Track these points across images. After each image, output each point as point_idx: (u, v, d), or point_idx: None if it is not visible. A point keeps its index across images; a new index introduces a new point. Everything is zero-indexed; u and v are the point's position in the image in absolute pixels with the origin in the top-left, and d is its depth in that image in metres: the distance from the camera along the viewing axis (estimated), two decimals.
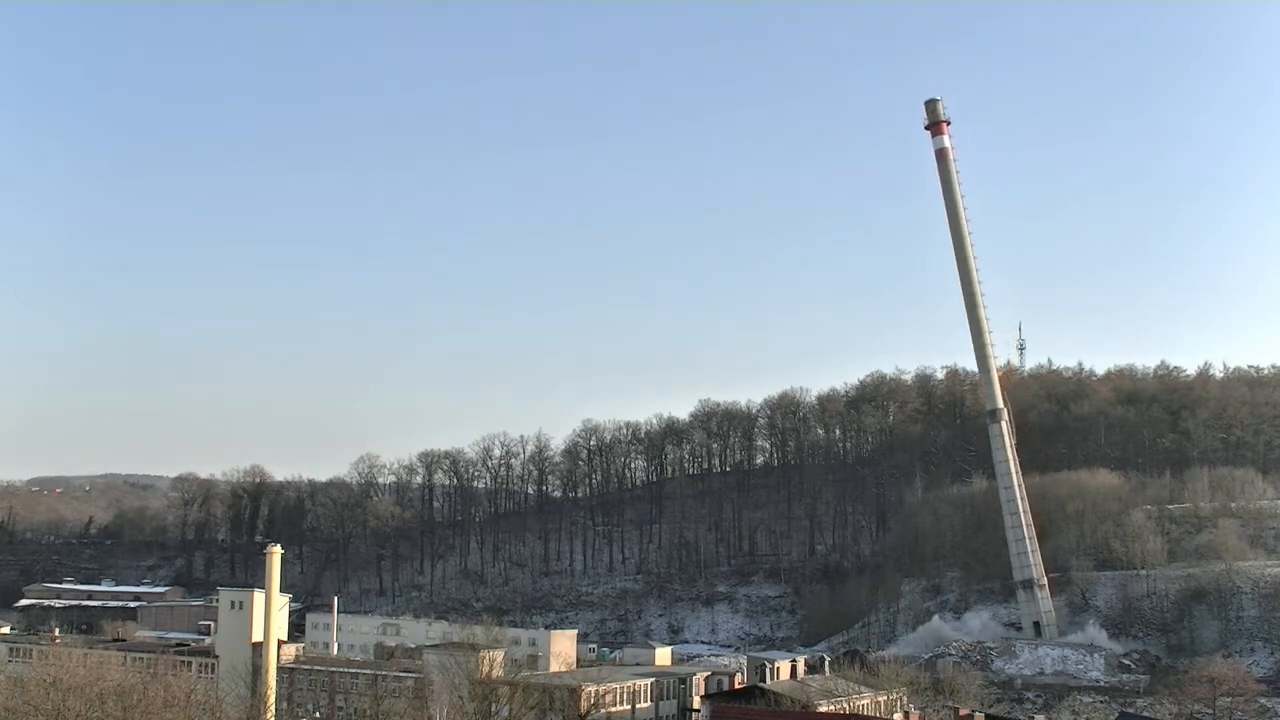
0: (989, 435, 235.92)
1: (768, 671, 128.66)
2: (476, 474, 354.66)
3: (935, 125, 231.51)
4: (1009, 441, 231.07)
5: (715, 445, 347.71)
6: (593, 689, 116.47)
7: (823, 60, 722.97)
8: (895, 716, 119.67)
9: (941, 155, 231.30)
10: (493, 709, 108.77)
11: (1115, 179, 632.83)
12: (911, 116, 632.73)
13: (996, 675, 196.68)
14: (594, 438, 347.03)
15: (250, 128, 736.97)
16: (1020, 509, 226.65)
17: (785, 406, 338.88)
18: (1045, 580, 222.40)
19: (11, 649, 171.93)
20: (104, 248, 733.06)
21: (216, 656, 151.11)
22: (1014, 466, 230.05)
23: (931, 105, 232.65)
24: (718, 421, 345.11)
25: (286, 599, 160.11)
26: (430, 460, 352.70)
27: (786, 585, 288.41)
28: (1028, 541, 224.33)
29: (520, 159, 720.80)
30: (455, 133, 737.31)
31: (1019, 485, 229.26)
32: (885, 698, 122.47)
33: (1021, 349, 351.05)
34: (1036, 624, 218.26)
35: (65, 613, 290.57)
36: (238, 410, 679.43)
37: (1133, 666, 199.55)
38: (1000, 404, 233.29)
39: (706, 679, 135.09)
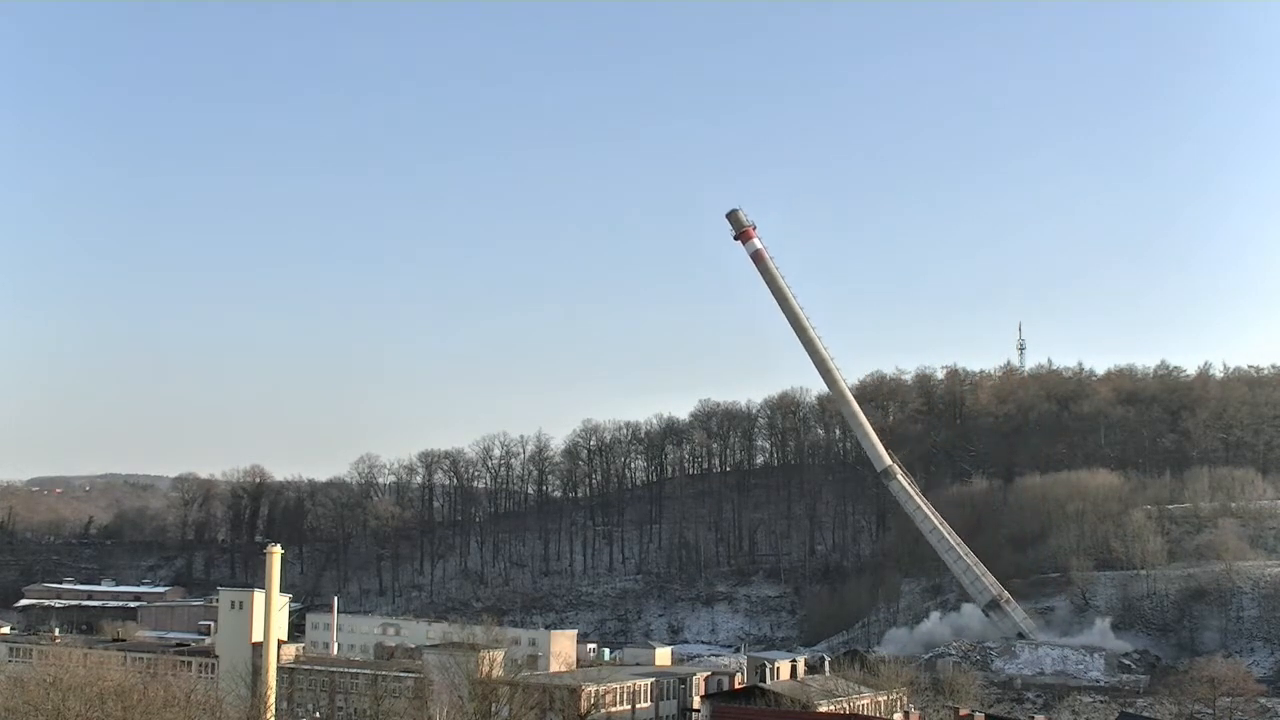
0: (891, 492, 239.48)
1: (768, 671, 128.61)
2: (476, 474, 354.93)
3: (742, 234, 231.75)
4: (913, 491, 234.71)
5: (715, 445, 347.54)
6: (593, 689, 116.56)
7: (823, 55, 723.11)
8: (895, 716, 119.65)
9: (758, 257, 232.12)
10: (493, 709, 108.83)
11: (1116, 179, 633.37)
12: (908, 118, 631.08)
13: (996, 675, 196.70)
14: (594, 438, 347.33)
15: (250, 127, 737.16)
16: (952, 543, 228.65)
17: (785, 406, 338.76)
18: (1007, 594, 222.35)
19: (11, 649, 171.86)
20: (104, 248, 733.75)
21: (216, 656, 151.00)
22: (929, 510, 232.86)
23: (734, 216, 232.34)
24: (718, 421, 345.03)
25: (286, 599, 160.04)
26: (430, 460, 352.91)
27: (786, 585, 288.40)
28: (973, 569, 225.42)
29: (519, 158, 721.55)
30: (455, 133, 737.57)
31: (940, 524, 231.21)
32: (885, 698, 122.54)
33: (1021, 349, 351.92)
34: (1020, 635, 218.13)
35: (65, 613, 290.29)
36: (238, 410, 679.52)
37: (1133, 666, 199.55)
38: (889, 461, 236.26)
39: (706, 679, 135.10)
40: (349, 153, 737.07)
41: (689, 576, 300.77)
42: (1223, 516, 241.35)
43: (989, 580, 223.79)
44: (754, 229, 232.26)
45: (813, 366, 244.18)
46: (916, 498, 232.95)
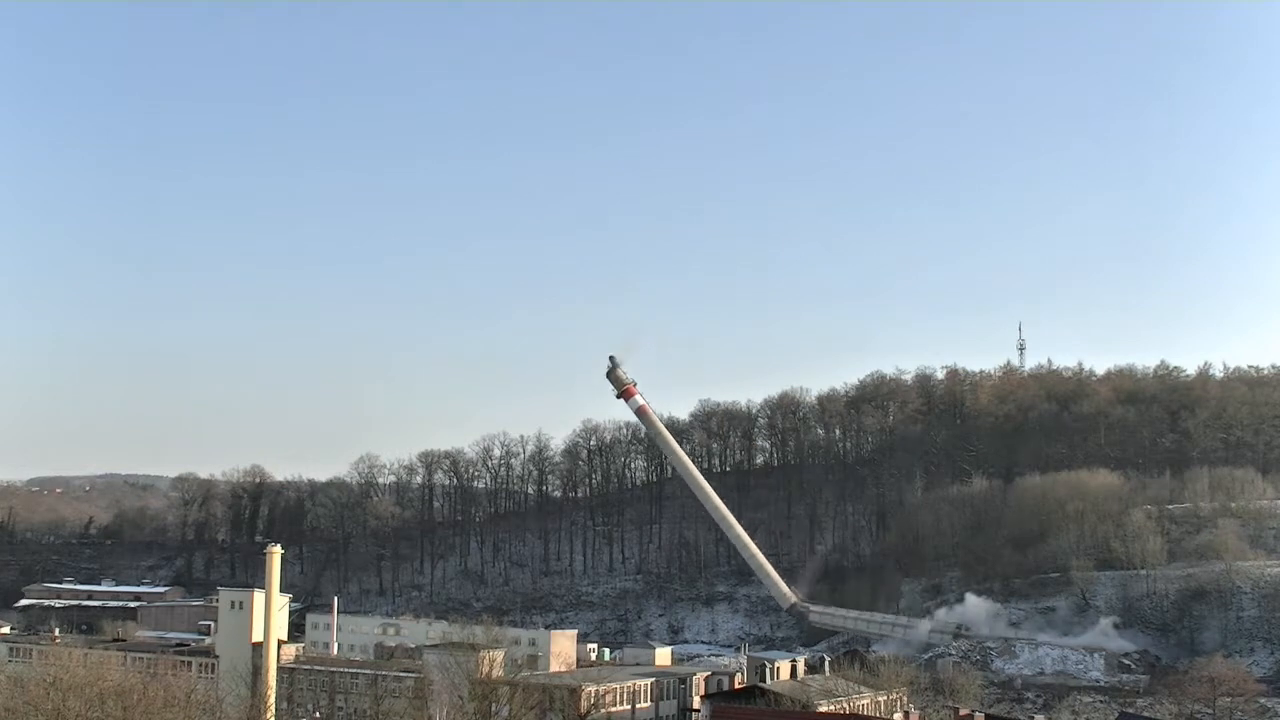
0: (807, 621, 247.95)
1: (768, 671, 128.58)
2: (476, 474, 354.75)
3: (624, 392, 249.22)
4: (831, 610, 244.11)
5: (715, 445, 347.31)
6: (593, 689, 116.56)
7: (824, 54, 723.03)
8: (895, 716, 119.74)
9: (641, 413, 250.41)
10: (493, 709, 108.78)
11: (1116, 179, 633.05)
12: (908, 117, 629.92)
13: (996, 675, 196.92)
14: (594, 438, 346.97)
15: (250, 128, 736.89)
16: (881, 620, 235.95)
17: (785, 406, 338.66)
18: (929, 625, 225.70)
19: (11, 649, 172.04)
20: (104, 248, 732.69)
21: (216, 656, 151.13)
22: (855, 615, 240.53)
23: (614, 375, 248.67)
24: (718, 421, 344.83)
25: (286, 599, 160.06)
26: (430, 460, 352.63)
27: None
28: (910, 626, 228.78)
29: (519, 158, 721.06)
30: (455, 133, 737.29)
31: (871, 617, 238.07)
32: (885, 698, 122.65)
33: (1021, 349, 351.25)
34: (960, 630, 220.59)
35: (65, 613, 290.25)
36: (238, 410, 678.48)
37: (1133, 666, 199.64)
38: (794, 598, 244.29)
39: (706, 679, 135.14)
40: (349, 153, 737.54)
41: (689, 576, 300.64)
42: (1223, 516, 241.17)
43: (923, 625, 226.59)
44: (634, 385, 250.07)
45: (709, 505, 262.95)
46: (837, 614, 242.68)
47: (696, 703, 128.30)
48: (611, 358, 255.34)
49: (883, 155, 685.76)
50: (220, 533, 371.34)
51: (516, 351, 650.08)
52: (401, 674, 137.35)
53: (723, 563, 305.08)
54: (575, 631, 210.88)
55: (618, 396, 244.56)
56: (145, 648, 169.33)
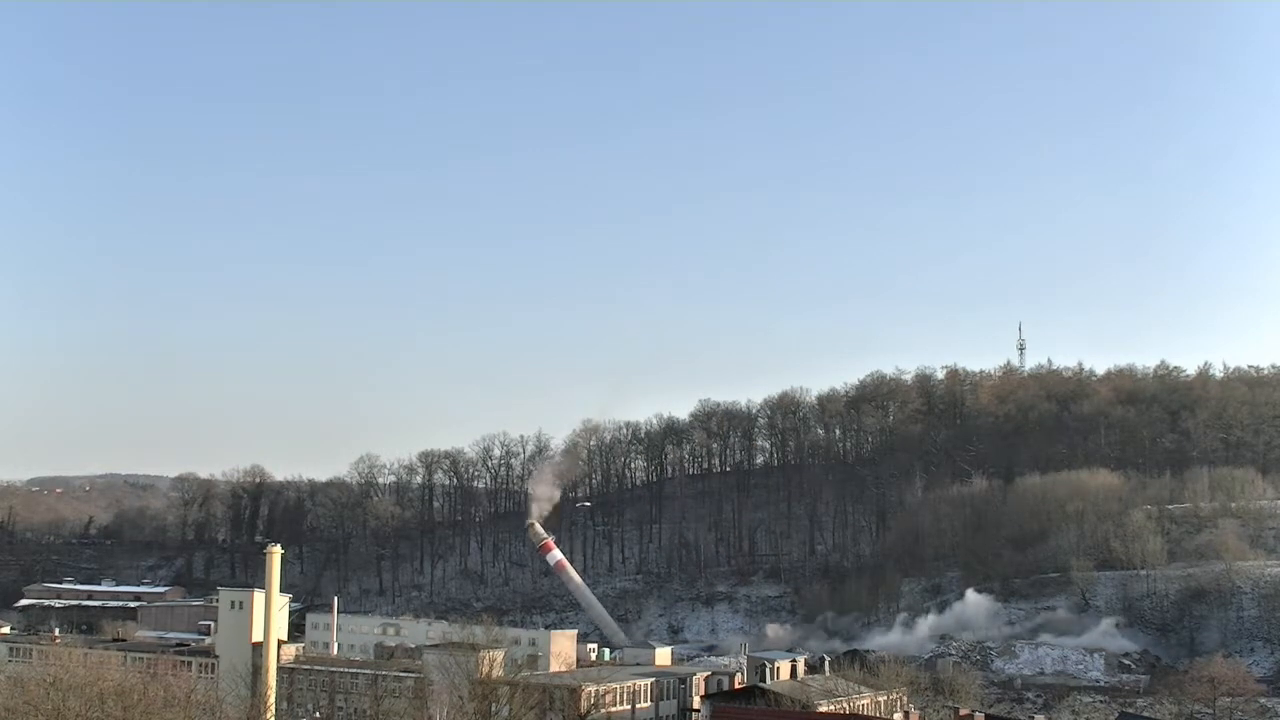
0: None
1: (768, 671, 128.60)
2: (476, 474, 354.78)
3: (543, 546, 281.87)
4: None
5: (715, 445, 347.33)
6: (593, 689, 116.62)
7: (825, 54, 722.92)
8: (895, 716, 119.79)
9: (559, 566, 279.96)
10: (493, 709, 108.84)
11: (1116, 179, 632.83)
12: (908, 117, 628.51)
13: (996, 675, 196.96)
14: (594, 438, 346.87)
15: (250, 128, 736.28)
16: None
17: (785, 406, 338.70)
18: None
19: (11, 649, 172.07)
20: (104, 248, 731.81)
21: (216, 656, 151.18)
22: None
23: (532, 530, 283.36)
24: (718, 421, 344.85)
25: (286, 599, 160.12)
26: (430, 460, 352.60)
27: (786, 585, 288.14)
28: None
29: (519, 159, 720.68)
30: (455, 133, 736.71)
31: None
32: (885, 698, 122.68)
33: (1021, 349, 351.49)
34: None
35: (65, 613, 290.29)
36: (238, 410, 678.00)
37: (1133, 666, 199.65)
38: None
39: (706, 679, 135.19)
40: (349, 152, 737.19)
41: (689, 576, 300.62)
42: (1223, 516, 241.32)
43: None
44: (551, 540, 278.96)
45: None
46: None
47: (696, 703, 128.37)
48: (530, 523, 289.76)
49: (883, 155, 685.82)
50: (220, 533, 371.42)
51: (516, 351, 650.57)
52: (401, 674, 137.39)
53: (723, 563, 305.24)
54: (575, 631, 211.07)
55: (538, 549, 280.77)
56: (145, 648, 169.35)
